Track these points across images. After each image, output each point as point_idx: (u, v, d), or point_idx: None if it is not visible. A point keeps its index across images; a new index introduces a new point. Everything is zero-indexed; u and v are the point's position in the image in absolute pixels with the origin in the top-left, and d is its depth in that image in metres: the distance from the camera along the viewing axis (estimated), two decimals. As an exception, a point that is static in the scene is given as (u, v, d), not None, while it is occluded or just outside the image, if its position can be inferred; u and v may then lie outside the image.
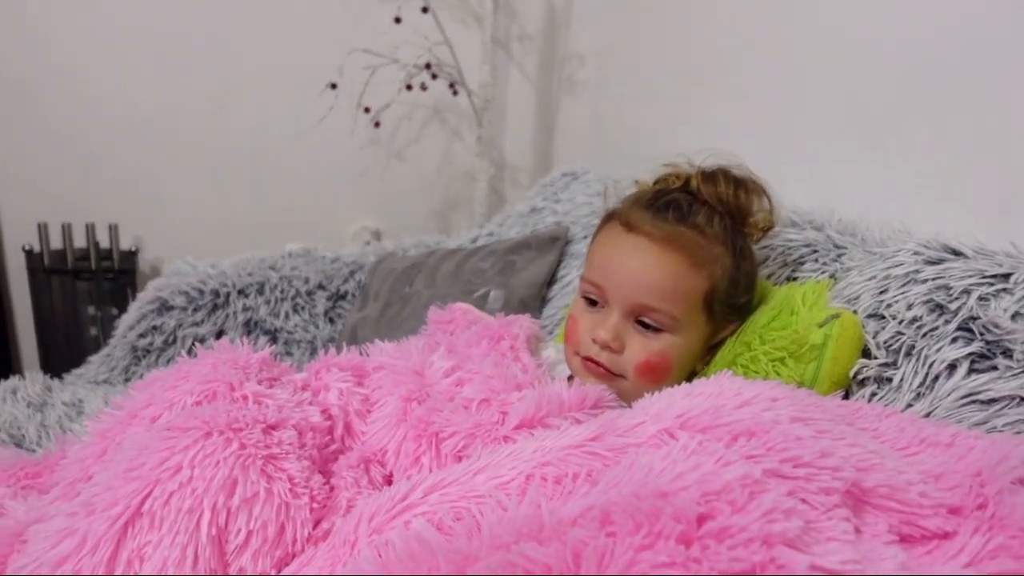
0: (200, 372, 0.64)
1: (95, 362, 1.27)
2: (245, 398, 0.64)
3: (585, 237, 1.19)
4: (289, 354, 1.29)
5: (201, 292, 1.26)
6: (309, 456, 0.58)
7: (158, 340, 1.24)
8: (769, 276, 0.84)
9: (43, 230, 1.65)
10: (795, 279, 0.81)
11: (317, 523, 0.55)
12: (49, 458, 0.87)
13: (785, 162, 1.13)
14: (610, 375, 0.70)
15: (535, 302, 1.14)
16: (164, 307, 1.25)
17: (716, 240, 0.70)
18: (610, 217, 0.76)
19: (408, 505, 0.51)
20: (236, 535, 0.51)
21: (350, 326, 1.24)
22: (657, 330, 0.69)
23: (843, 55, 1.00)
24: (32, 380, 1.15)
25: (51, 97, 1.61)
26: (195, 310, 1.25)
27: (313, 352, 1.28)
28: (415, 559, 0.42)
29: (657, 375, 0.68)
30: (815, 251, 0.83)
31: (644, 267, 0.68)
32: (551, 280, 1.18)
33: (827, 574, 0.34)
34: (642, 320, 0.69)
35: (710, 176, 0.73)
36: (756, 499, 0.37)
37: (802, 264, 0.83)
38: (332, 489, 0.59)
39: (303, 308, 1.31)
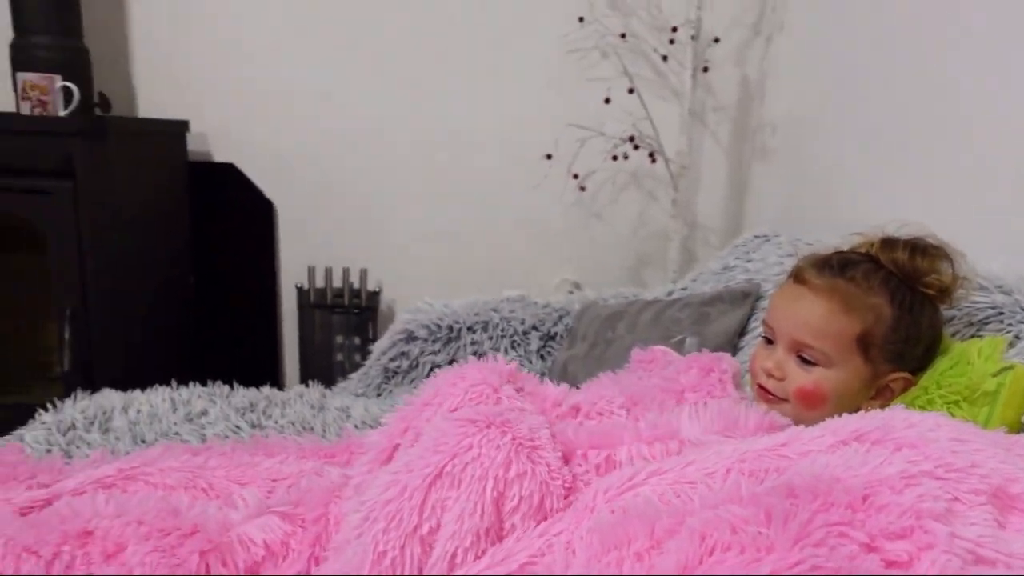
0: (472, 375, 0.86)
1: (355, 379, 1.57)
2: (499, 400, 0.84)
3: (783, 280, 1.31)
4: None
5: (439, 327, 1.53)
6: (558, 450, 0.77)
7: (404, 364, 1.52)
8: (954, 334, 0.93)
9: (311, 272, 2.04)
10: (979, 337, 0.89)
11: (565, 497, 0.73)
12: (338, 444, 1.14)
13: (979, 229, 1.19)
14: (776, 399, 0.85)
15: (727, 349, 1.28)
16: (410, 337, 1.53)
17: (873, 292, 0.82)
18: (790, 273, 0.91)
19: (634, 484, 0.68)
20: (511, 500, 0.71)
21: (560, 362, 1.45)
22: (813, 363, 0.83)
23: None
24: (312, 389, 1.46)
25: (323, 164, 2.02)
26: (434, 341, 1.52)
27: (527, 383, 1.49)
28: (644, 514, 0.59)
29: (813, 401, 0.81)
30: (1001, 313, 0.91)
31: (801, 310, 0.84)
32: (743, 331, 1.31)
33: (965, 540, 0.46)
34: (801, 355, 0.84)
35: (889, 243, 0.86)
36: (911, 488, 0.50)
37: (987, 324, 0.90)
38: (574, 478, 0.77)
39: (519, 345, 1.54)
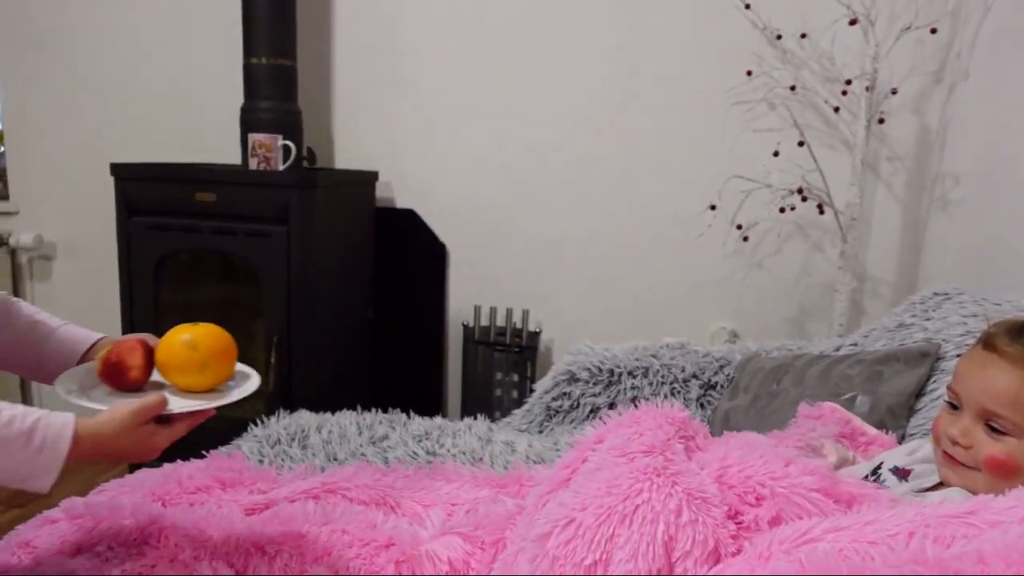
0: (646, 423, 0.91)
1: (518, 415, 1.66)
2: (667, 453, 0.88)
3: (957, 355, 1.25)
4: (665, 429, 1.53)
5: (600, 370, 1.59)
6: (724, 505, 0.80)
7: (566, 404, 1.59)
8: None
9: (477, 311, 2.17)
10: None
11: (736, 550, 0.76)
12: (508, 475, 1.23)
13: None
14: (963, 467, 0.83)
15: (902, 411, 1.24)
16: (572, 378, 1.60)
17: None
18: (979, 339, 0.88)
19: (810, 538, 0.70)
20: (683, 543, 0.75)
21: (722, 412, 1.45)
22: (1003, 433, 0.80)
23: None
24: (480, 422, 1.56)
25: (493, 212, 2.16)
26: (595, 384, 1.58)
27: (686, 430, 1.51)
28: (823, 565, 0.62)
29: (1004, 471, 0.79)
30: None
31: (992, 378, 0.82)
32: (920, 392, 1.26)
33: None
34: (991, 423, 0.81)
35: None
36: (1115, 564, 0.49)
37: None
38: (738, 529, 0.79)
39: (679, 392, 1.56)
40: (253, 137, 1.78)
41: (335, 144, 2.20)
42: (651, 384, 1.57)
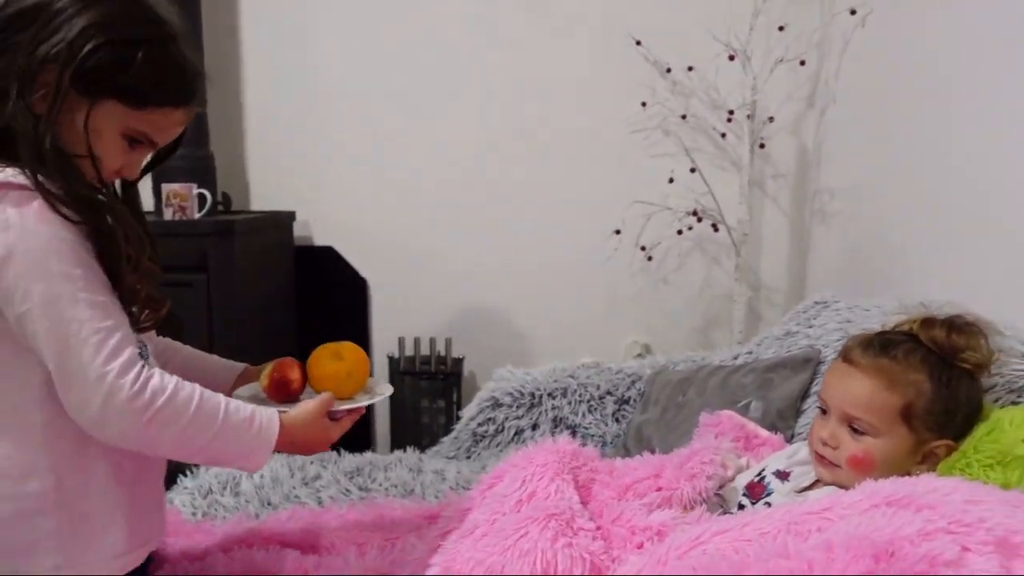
0: (538, 460, 1.00)
1: (446, 442, 1.73)
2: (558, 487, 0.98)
3: (835, 358, 1.40)
4: (584, 446, 1.63)
5: (522, 393, 1.67)
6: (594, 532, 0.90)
7: (491, 428, 1.67)
8: (996, 400, 1.01)
9: (401, 342, 2.23)
10: (1018, 404, 0.97)
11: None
12: (437, 505, 1.29)
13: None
14: (833, 466, 0.96)
15: (791, 413, 1.37)
16: (496, 404, 1.68)
17: (913, 369, 0.92)
18: (840, 352, 1.01)
19: (700, 542, 0.80)
20: (563, 564, 0.84)
21: (635, 425, 1.56)
22: (862, 433, 0.93)
23: None
24: (410, 453, 1.62)
25: (411, 245, 2.23)
26: (518, 407, 1.67)
27: (604, 444, 1.61)
28: (710, 566, 0.72)
29: (863, 467, 0.92)
30: (1039, 380, 0.99)
31: (850, 387, 0.95)
32: (805, 395, 1.40)
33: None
34: (852, 426, 0.94)
35: (928, 322, 0.96)
36: (927, 541, 0.61)
37: (1026, 391, 0.99)
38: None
39: (596, 409, 1.66)
40: (167, 187, 1.79)
41: (250, 186, 2.22)
42: (570, 403, 1.67)
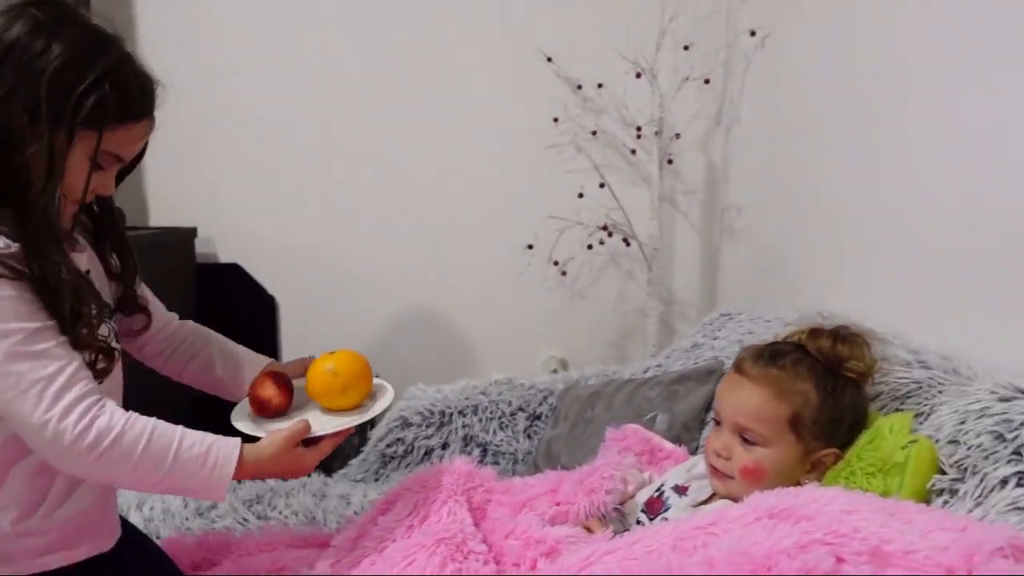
0: (432, 483, 0.97)
1: (354, 465, 1.67)
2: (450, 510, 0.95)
3: (728, 370, 1.42)
4: (496, 463, 1.61)
5: (432, 412, 1.64)
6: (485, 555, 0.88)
7: (400, 449, 1.62)
8: (882, 408, 1.04)
9: (312, 362, 2.15)
10: (902, 411, 1.00)
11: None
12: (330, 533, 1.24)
13: (918, 305, 1.31)
14: (726, 477, 0.96)
15: (695, 424, 1.38)
16: (405, 423, 1.63)
17: (800, 378, 0.94)
18: (733, 363, 1.02)
19: (590, 562, 0.78)
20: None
21: (545, 441, 1.55)
22: (753, 444, 0.94)
23: (978, 224, 1.16)
24: (315, 478, 1.56)
25: (320, 261, 2.16)
26: (428, 426, 1.63)
27: (515, 462, 1.59)
28: (596, 588, 0.70)
29: (755, 478, 0.92)
30: (920, 387, 1.02)
31: (740, 397, 0.96)
32: (709, 406, 1.41)
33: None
34: (744, 436, 0.95)
35: (815, 333, 0.98)
36: (803, 554, 0.61)
37: (909, 398, 1.01)
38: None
39: (507, 426, 1.64)
40: (51, 202, 1.68)
41: (147, 200, 2.11)
42: (481, 421, 1.64)
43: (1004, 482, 0.77)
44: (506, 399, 1.67)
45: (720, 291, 2.17)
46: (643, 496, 1.06)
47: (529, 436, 1.64)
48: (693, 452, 1.32)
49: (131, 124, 0.85)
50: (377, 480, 1.62)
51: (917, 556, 0.61)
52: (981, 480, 0.79)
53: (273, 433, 0.89)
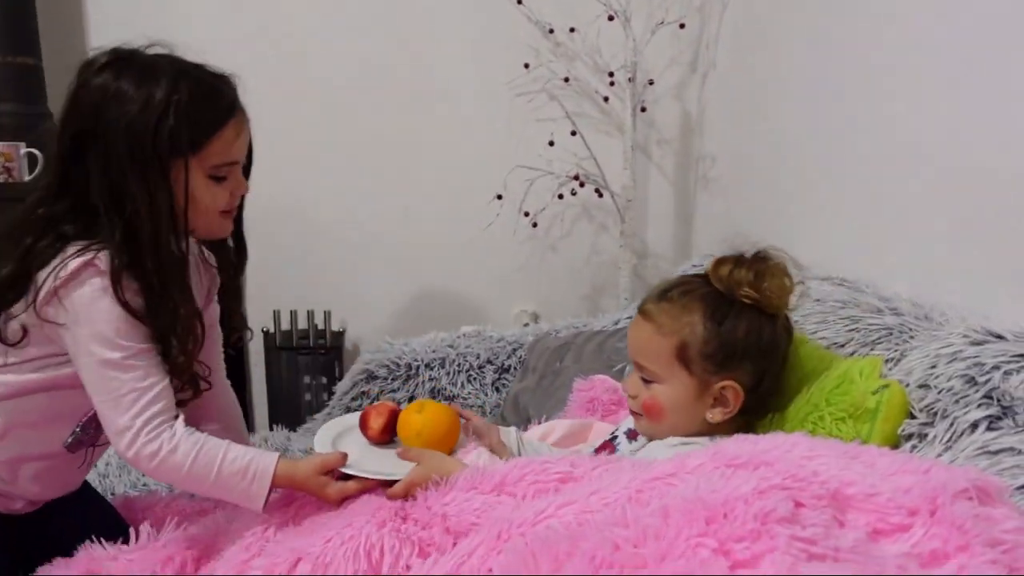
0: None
1: (318, 420, 1.63)
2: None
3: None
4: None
5: (398, 365, 1.60)
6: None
7: (366, 403, 1.58)
8: (852, 353, 1.01)
9: (276, 316, 2.10)
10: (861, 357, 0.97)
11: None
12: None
13: (889, 254, 1.29)
14: (636, 415, 0.96)
15: (663, 376, 1.36)
16: (371, 376, 1.60)
17: (687, 310, 0.90)
18: None
19: (545, 516, 0.75)
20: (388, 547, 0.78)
21: (512, 394, 1.52)
22: (649, 381, 0.93)
23: (948, 171, 1.13)
24: (277, 433, 1.52)
25: (285, 214, 2.09)
26: (393, 379, 1.59)
27: (484, 415, 1.56)
28: (547, 541, 0.66)
29: (653, 413, 0.92)
30: (891, 333, 0.99)
31: (635, 336, 0.95)
32: (678, 357, 1.39)
33: (801, 541, 0.54)
34: (642, 375, 0.94)
35: (719, 260, 0.93)
36: (761, 500, 0.57)
37: (879, 344, 0.99)
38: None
39: (475, 379, 1.61)
40: (-9, 146, 1.60)
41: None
42: (448, 374, 1.61)
43: (974, 426, 0.75)
44: (474, 352, 1.63)
45: (695, 244, 2.14)
46: (597, 442, 1.04)
47: (497, 389, 1.61)
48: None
49: (215, 136, 0.93)
50: (341, 435, 1.58)
51: (879, 499, 0.59)
52: (951, 424, 0.77)
53: (315, 456, 0.95)
